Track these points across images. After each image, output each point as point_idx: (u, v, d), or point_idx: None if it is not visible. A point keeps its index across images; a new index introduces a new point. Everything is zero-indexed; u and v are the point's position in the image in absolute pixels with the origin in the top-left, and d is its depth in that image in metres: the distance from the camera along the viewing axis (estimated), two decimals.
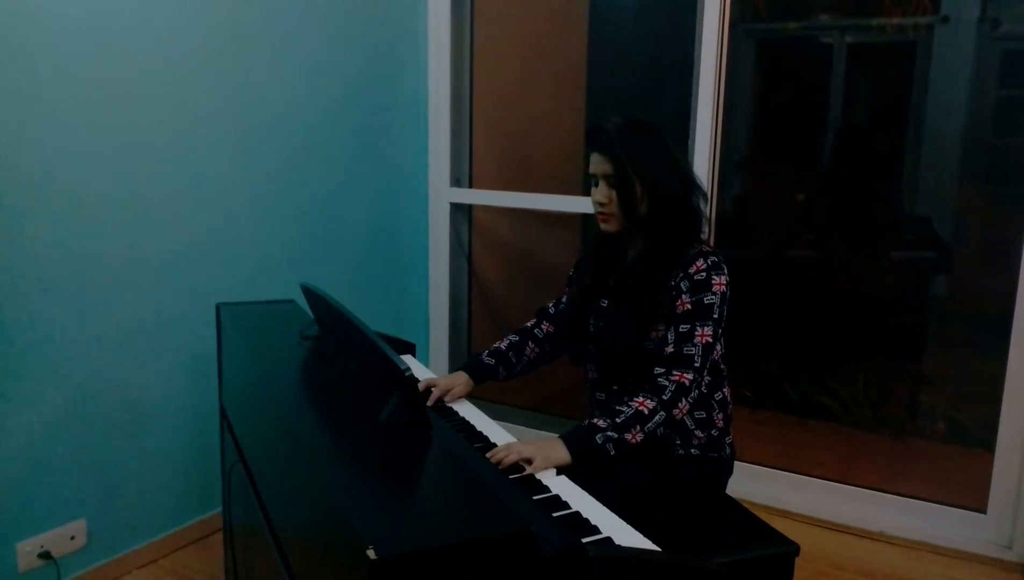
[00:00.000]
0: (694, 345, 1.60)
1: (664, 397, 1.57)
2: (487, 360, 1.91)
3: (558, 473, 1.44)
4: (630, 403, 1.57)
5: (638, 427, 1.54)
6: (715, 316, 1.62)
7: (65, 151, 2.03)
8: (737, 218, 3.76)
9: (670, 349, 1.62)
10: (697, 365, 1.60)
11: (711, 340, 1.62)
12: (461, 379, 1.85)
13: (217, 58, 2.38)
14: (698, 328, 1.61)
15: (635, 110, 1.73)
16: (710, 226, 1.99)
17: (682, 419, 1.68)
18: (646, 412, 1.55)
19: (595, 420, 1.55)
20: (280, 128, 2.61)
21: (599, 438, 1.51)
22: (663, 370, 1.61)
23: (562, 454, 1.48)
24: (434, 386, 1.81)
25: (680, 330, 1.62)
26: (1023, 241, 2.35)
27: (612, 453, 1.52)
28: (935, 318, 3.40)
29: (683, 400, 1.58)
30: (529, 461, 1.44)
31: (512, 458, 1.44)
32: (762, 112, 3.74)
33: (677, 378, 1.58)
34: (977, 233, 3.30)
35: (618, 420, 1.53)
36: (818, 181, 3.66)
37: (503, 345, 1.94)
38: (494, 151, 3.43)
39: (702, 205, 1.74)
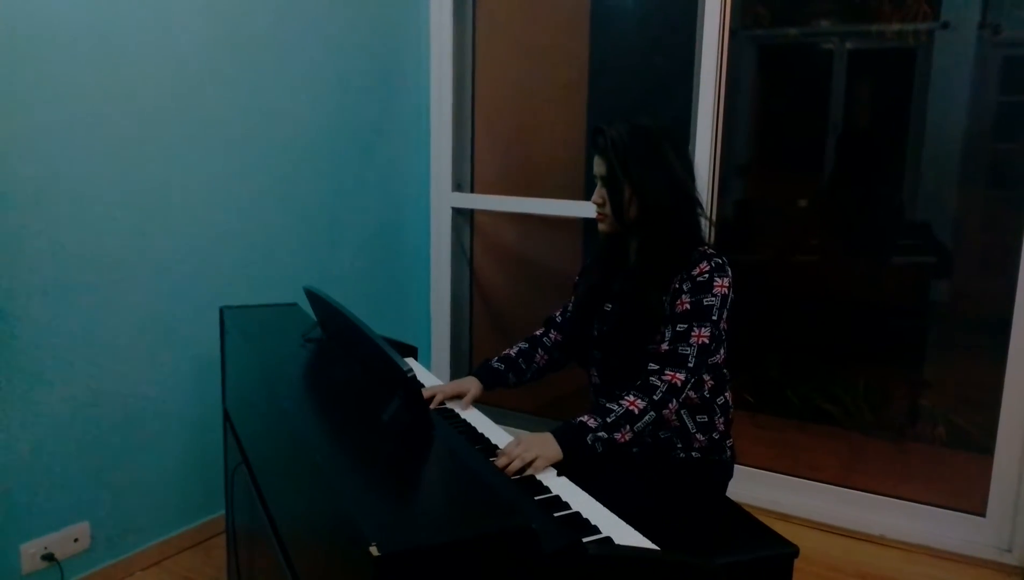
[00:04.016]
0: (689, 345, 1.61)
1: (655, 397, 1.58)
2: (497, 365, 1.92)
3: (559, 473, 1.46)
4: (620, 402, 1.58)
5: (628, 427, 1.56)
6: (713, 318, 1.63)
7: (67, 154, 2.05)
8: (738, 223, 3.77)
9: (665, 346, 1.63)
10: (691, 365, 1.61)
11: (707, 342, 1.62)
12: (471, 384, 1.86)
13: (221, 64, 2.40)
14: (695, 328, 1.62)
15: (638, 116, 1.73)
16: (710, 232, 2.00)
17: (683, 423, 1.69)
18: (636, 412, 1.57)
19: (586, 419, 1.56)
20: (283, 133, 2.63)
21: (589, 438, 1.54)
22: (656, 368, 1.62)
23: (556, 451, 1.51)
24: (439, 392, 1.82)
25: (677, 329, 1.63)
26: (1022, 246, 2.37)
27: (600, 451, 1.55)
28: (935, 323, 3.40)
29: (674, 401, 1.59)
30: (531, 462, 1.46)
31: (516, 466, 1.45)
32: (764, 118, 3.75)
33: (669, 378, 1.59)
34: (977, 238, 3.30)
35: (608, 420, 1.55)
36: (819, 186, 3.67)
37: (513, 351, 1.95)
38: (496, 156, 3.44)
39: (697, 215, 1.74)
